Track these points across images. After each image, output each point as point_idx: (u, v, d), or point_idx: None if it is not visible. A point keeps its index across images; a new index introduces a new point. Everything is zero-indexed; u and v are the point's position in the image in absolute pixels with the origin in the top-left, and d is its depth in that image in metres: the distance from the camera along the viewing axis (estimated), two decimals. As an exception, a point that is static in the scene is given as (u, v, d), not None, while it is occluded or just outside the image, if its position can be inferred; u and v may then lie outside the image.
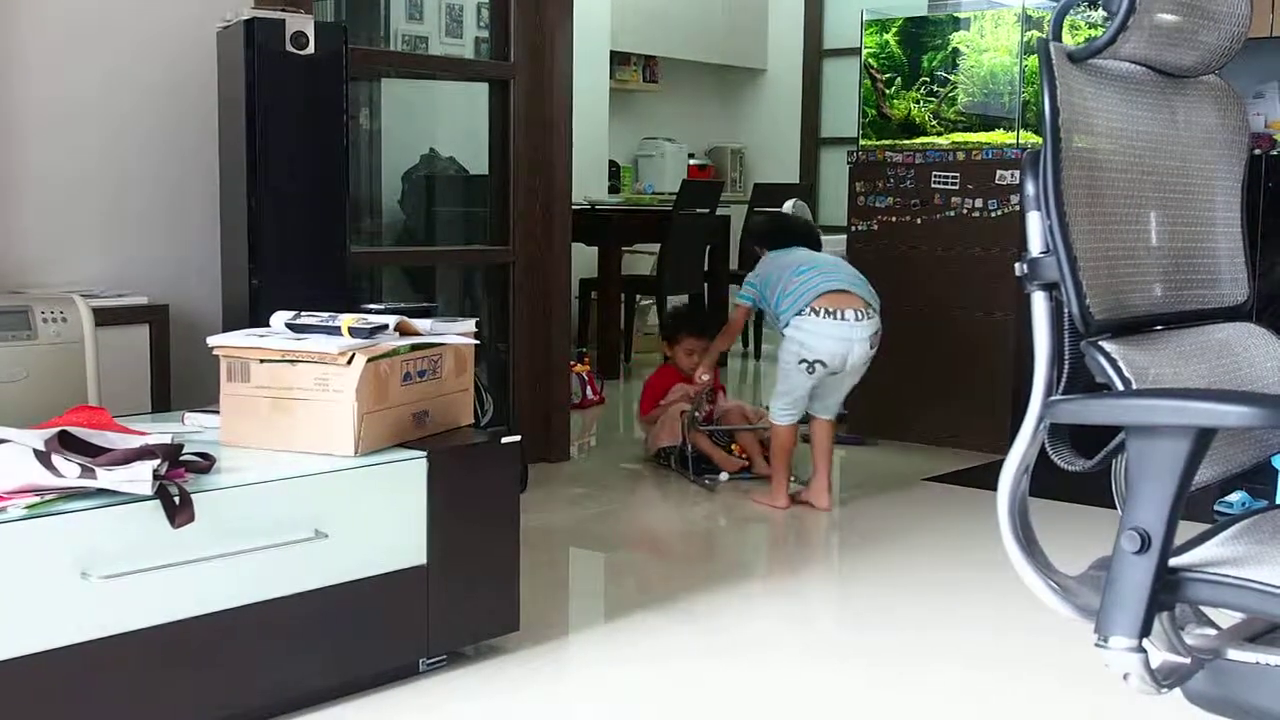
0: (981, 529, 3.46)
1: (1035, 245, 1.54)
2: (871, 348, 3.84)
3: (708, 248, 6.99)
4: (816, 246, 4.17)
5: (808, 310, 3.78)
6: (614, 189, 7.99)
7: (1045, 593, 1.58)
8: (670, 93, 8.66)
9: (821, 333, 3.78)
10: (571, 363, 5.10)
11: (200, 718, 2.18)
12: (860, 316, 3.78)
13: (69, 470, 2.00)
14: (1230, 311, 1.75)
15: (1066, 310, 1.53)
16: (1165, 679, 1.46)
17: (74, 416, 2.31)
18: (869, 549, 3.56)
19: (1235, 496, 3.75)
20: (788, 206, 5.61)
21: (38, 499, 1.97)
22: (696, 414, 4.39)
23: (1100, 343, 1.51)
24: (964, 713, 2.43)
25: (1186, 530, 1.48)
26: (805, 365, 3.79)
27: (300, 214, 3.14)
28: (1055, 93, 1.52)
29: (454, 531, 2.48)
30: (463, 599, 2.53)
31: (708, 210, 6.83)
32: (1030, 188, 1.54)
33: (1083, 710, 2.43)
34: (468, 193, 5.17)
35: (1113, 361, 1.49)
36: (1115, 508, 1.54)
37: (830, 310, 3.77)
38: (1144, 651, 1.41)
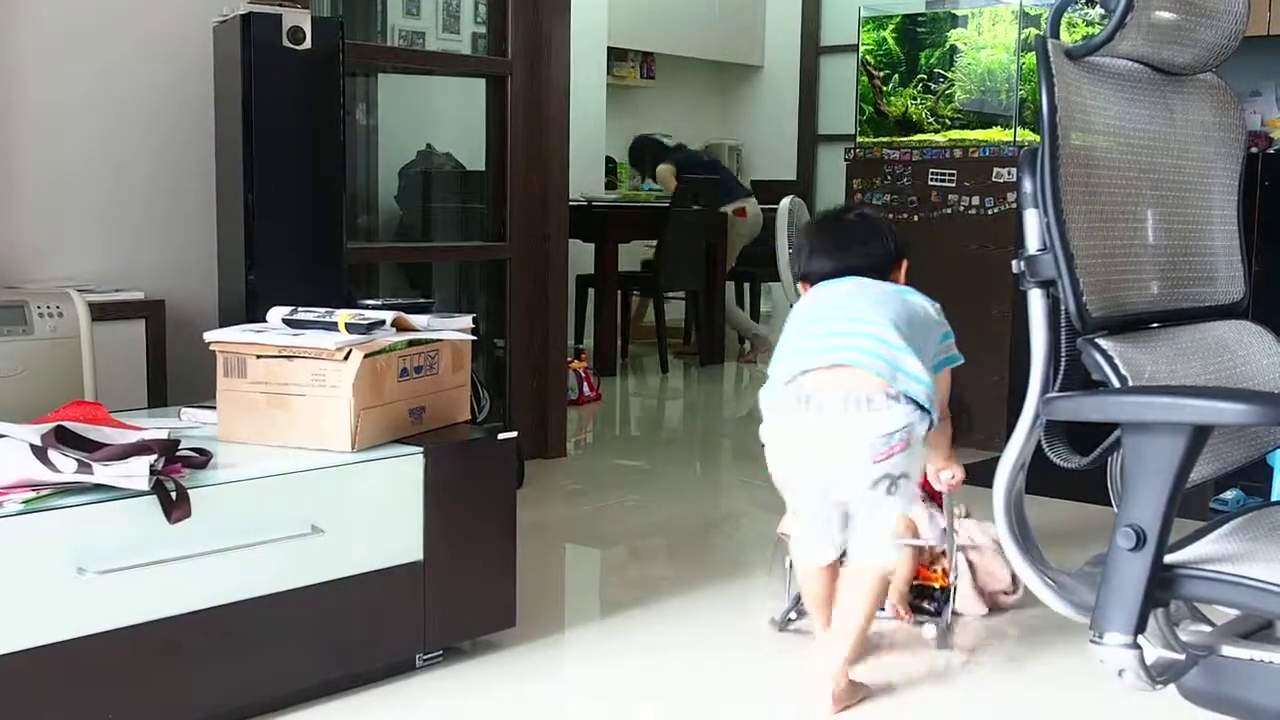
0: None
1: (1032, 243, 1.55)
2: (883, 458, 2.27)
3: (706, 245, 7.00)
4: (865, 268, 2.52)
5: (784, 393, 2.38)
6: (611, 185, 7.99)
7: (1041, 589, 1.59)
8: (667, 89, 8.67)
9: (777, 430, 2.39)
10: (568, 359, 5.10)
11: (196, 713, 2.18)
12: (854, 405, 2.26)
13: (65, 465, 1.99)
14: (1227, 309, 1.76)
15: (1063, 308, 1.53)
16: (1160, 675, 1.47)
17: (70, 411, 2.31)
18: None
19: (1230, 494, 3.75)
20: (784, 205, 5.60)
21: (34, 494, 1.97)
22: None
23: (1097, 340, 1.51)
24: (958, 711, 2.44)
25: (1181, 528, 1.49)
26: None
27: (297, 209, 3.14)
28: (1053, 90, 1.52)
29: (450, 527, 2.48)
30: (459, 595, 2.53)
31: (705, 207, 6.84)
32: (1027, 185, 1.54)
33: (1081, 711, 2.44)
34: (465, 189, 5.16)
35: (1109, 359, 1.49)
36: (1111, 505, 1.54)
37: (801, 394, 2.32)
38: (1139, 648, 1.42)
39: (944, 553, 2.81)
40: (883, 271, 2.53)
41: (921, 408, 2.29)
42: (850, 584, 2.41)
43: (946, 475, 2.64)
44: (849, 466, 2.30)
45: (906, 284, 2.57)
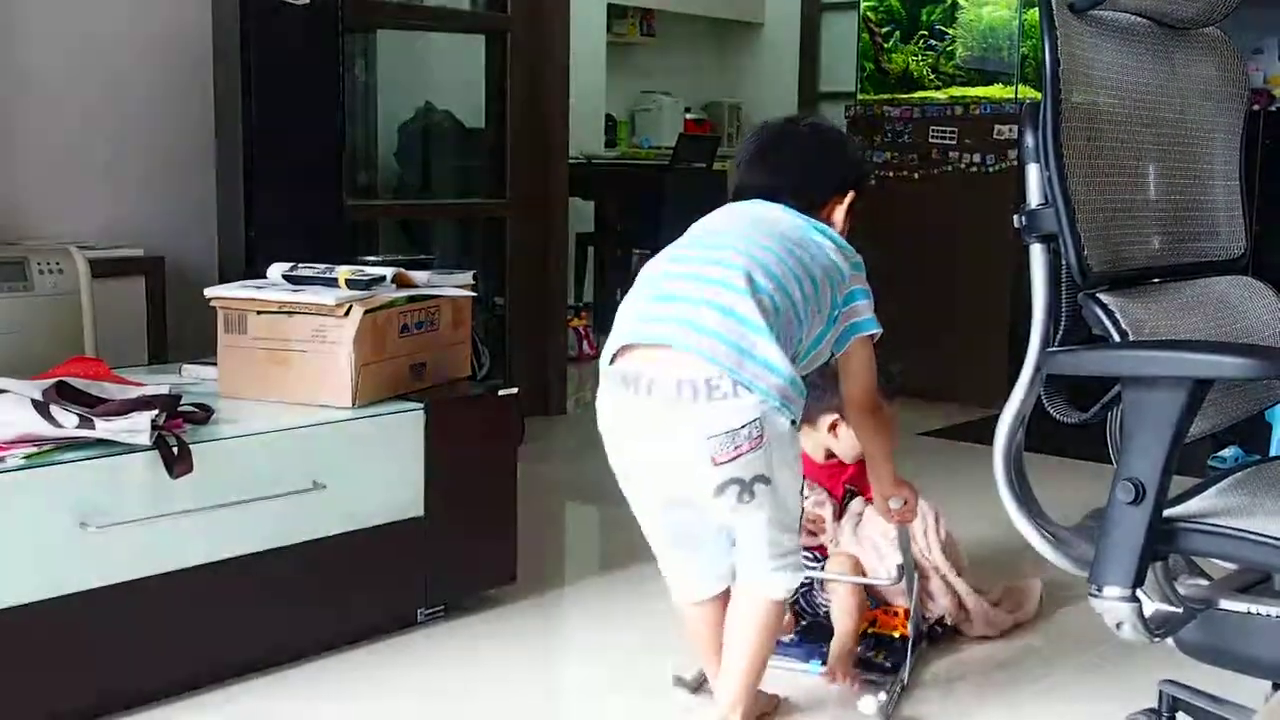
0: (976, 483, 3.48)
1: (1034, 197, 1.54)
2: (728, 459, 1.78)
3: (705, 203, 6.98)
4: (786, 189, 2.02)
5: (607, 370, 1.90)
6: (610, 143, 7.95)
7: (1040, 543, 1.59)
8: (667, 46, 8.60)
9: (603, 411, 1.91)
10: (568, 317, 5.10)
11: (197, 667, 2.19)
12: (689, 392, 1.78)
13: (67, 420, 2.00)
14: (1227, 265, 1.76)
15: (1064, 262, 1.53)
16: (1158, 628, 1.47)
17: (72, 368, 2.31)
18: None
19: (1228, 451, 3.77)
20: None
21: (36, 449, 1.97)
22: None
23: (1098, 294, 1.51)
24: (954, 671, 2.45)
25: (1179, 485, 1.49)
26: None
27: (296, 166, 3.13)
28: (1056, 44, 1.51)
29: (451, 483, 2.49)
30: (460, 550, 2.54)
31: (705, 165, 6.81)
32: (1030, 140, 1.54)
33: (1079, 662, 2.45)
34: (464, 146, 5.14)
35: (1110, 313, 1.49)
36: (1110, 462, 1.54)
37: (627, 376, 1.84)
38: (1137, 601, 1.43)
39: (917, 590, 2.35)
40: (811, 198, 2.01)
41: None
42: (729, 617, 1.96)
43: (896, 504, 2.13)
44: (687, 468, 1.81)
45: (851, 224, 2.07)
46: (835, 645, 2.28)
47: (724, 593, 2.01)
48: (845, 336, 1.96)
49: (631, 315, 1.88)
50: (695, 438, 1.78)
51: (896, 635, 2.36)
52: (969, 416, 4.54)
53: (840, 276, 1.94)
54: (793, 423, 1.83)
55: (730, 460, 1.78)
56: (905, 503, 2.14)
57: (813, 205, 2.02)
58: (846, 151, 2.14)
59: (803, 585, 2.33)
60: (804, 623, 2.44)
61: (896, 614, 2.38)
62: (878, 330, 1.98)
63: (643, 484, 1.92)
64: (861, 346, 1.98)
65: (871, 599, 2.40)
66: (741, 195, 2.05)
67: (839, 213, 2.07)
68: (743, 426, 1.77)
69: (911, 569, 2.30)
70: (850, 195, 2.07)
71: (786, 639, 2.36)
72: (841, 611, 2.31)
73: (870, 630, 2.39)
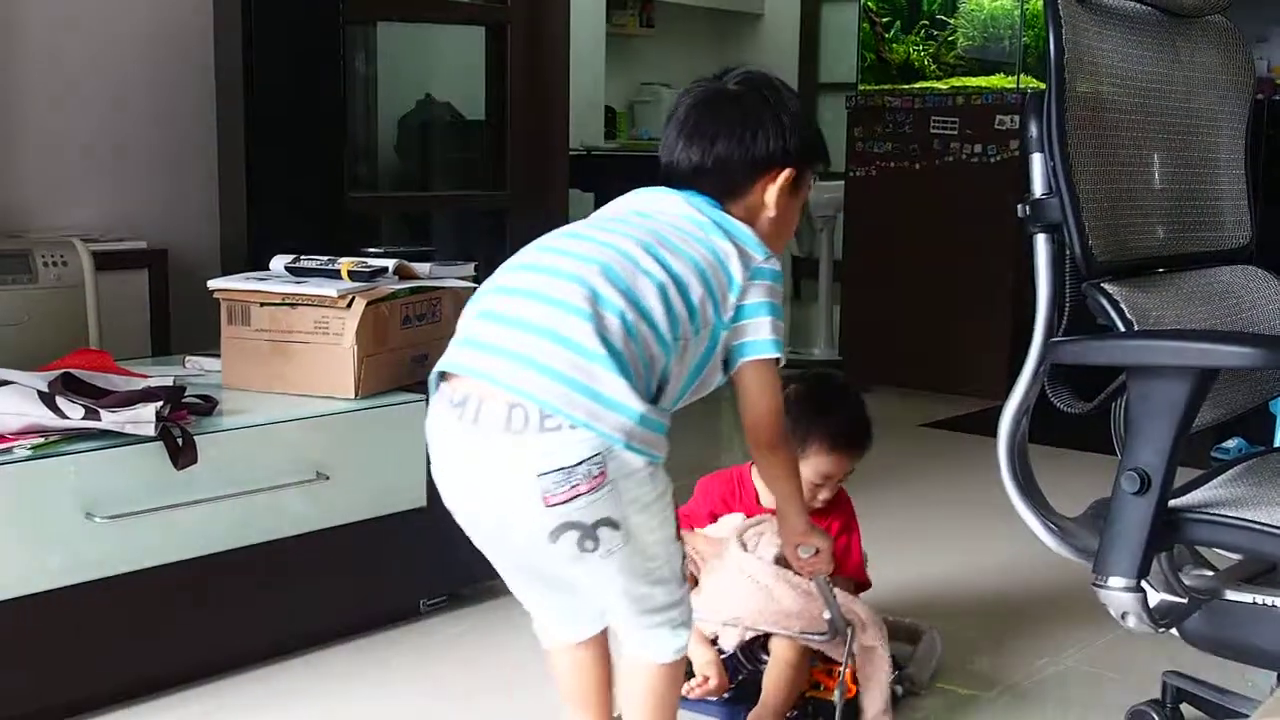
0: (978, 475, 3.48)
1: (1038, 187, 1.55)
2: (562, 500, 1.49)
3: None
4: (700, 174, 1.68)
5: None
6: (610, 135, 7.95)
7: (1044, 534, 1.60)
8: (667, 38, 8.59)
9: (431, 439, 1.62)
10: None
11: (201, 657, 2.20)
12: (519, 422, 1.49)
13: (73, 411, 2.00)
14: (1232, 254, 1.76)
15: (1068, 252, 1.53)
16: (1162, 619, 1.48)
17: (76, 359, 2.31)
18: (864, 494, 3.57)
19: (1232, 443, 3.77)
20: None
21: (42, 439, 1.97)
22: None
23: (1102, 284, 1.52)
24: (967, 668, 2.46)
25: (1183, 476, 1.49)
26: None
27: (298, 158, 3.13)
28: (1061, 33, 1.51)
29: (455, 474, 2.49)
30: (463, 539, 2.52)
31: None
32: (1034, 129, 1.54)
33: (1082, 654, 2.46)
34: (465, 138, 5.13)
35: (1114, 303, 1.50)
36: (1114, 453, 1.55)
37: (455, 398, 1.55)
38: (1142, 591, 1.43)
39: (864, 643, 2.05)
40: (731, 181, 1.65)
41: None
42: (619, 691, 1.75)
43: (806, 553, 1.82)
44: (516, 509, 1.51)
45: (793, 211, 1.70)
46: (758, 708, 2.01)
47: (600, 636, 1.76)
48: (733, 359, 1.62)
49: (460, 333, 1.58)
50: (525, 474, 1.48)
51: (834, 698, 2.01)
52: (971, 408, 4.54)
53: (729, 287, 1.58)
54: (650, 461, 1.52)
55: (565, 502, 1.48)
56: (816, 551, 1.82)
57: (733, 189, 1.65)
58: (782, 116, 1.67)
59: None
60: (740, 677, 2.09)
61: (839, 675, 2.03)
62: (775, 355, 1.62)
63: (478, 522, 1.62)
64: (755, 372, 1.62)
65: (813, 657, 2.07)
66: (664, 178, 1.70)
67: (770, 195, 1.66)
68: (579, 463, 1.47)
69: (841, 622, 2.00)
70: (787, 173, 1.66)
71: (716, 699, 2.07)
72: (774, 668, 2.04)
73: (810, 694, 2.08)
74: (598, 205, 6.30)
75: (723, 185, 1.65)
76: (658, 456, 1.54)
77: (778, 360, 1.63)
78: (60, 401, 2.01)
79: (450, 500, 1.61)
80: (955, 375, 4.82)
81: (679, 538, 1.65)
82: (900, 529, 3.22)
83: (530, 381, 1.48)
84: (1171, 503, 1.44)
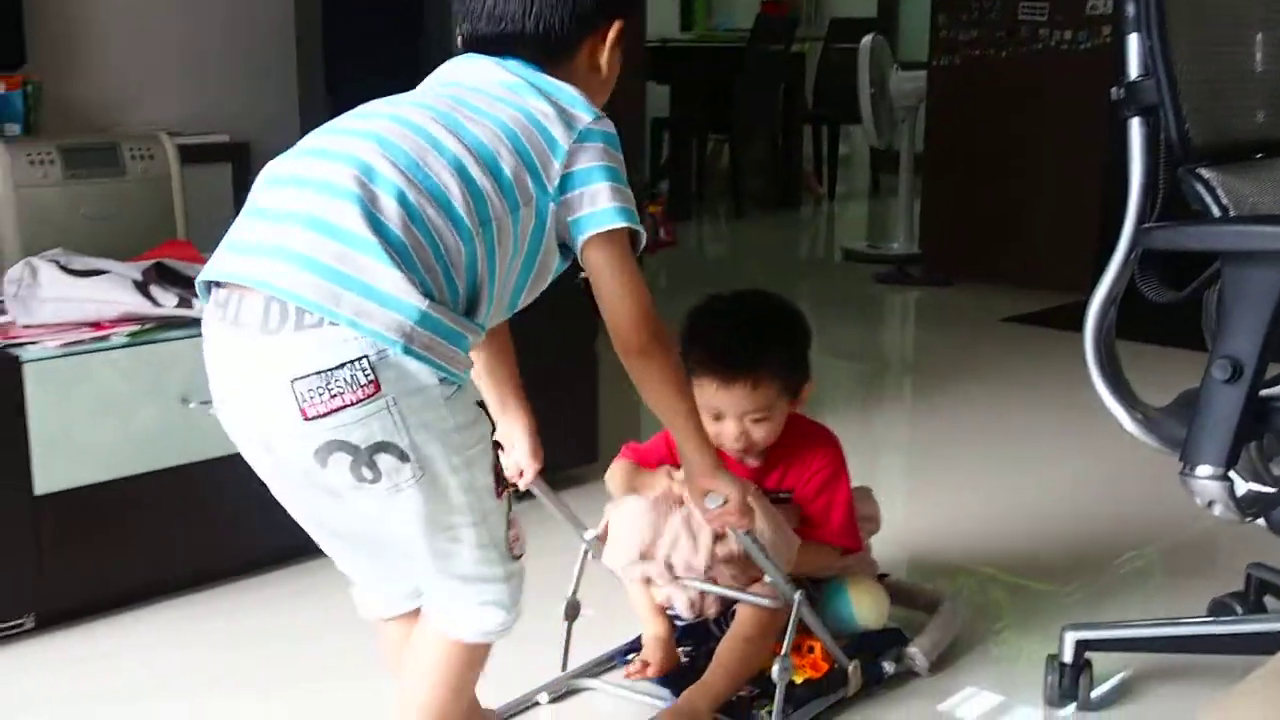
0: (1061, 370, 3.45)
1: (1134, 69, 1.51)
2: (323, 412, 1.25)
3: (782, 87, 6.86)
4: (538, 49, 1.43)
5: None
6: (686, 25, 7.83)
7: (1130, 424, 1.59)
8: (745, -76, 8.41)
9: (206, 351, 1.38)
10: (644, 202, 5.08)
11: (297, 540, 2.26)
12: (277, 317, 1.26)
13: (167, 300, 2.05)
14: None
15: (1164, 136, 1.50)
16: (1249, 508, 1.47)
17: (165, 251, 2.36)
18: (945, 390, 3.56)
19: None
20: (865, 44, 5.45)
21: (139, 327, 2.03)
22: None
23: (1198, 170, 1.48)
24: (1045, 563, 2.46)
25: (1274, 370, 1.47)
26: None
27: (375, 53, 3.13)
28: (1162, -93, 1.46)
29: (534, 368, 2.51)
30: (545, 431, 2.57)
31: (782, 47, 6.69)
32: (1131, 8, 1.50)
33: (1163, 546, 2.45)
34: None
35: (1210, 189, 1.47)
36: (1199, 349, 1.53)
37: (219, 297, 1.34)
38: (1229, 480, 1.42)
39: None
40: (551, 45, 1.42)
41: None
42: (406, 655, 1.47)
43: (714, 503, 1.50)
44: (275, 423, 1.28)
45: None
46: (692, 688, 1.72)
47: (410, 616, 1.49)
48: (574, 242, 1.36)
49: (227, 238, 1.35)
50: (279, 380, 1.24)
51: (801, 680, 1.76)
52: (1056, 302, 4.48)
53: (552, 151, 1.34)
54: (444, 379, 1.27)
55: (327, 414, 1.24)
56: (726, 500, 1.50)
57: (557, 54, 1.42)
58: None
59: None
60: (710, 645, 1.82)
61: (811, 650, 1.79)
62: (626, 224, 1.35)
63: (249, 452, 1.36)
64: (600, 250, 1.35)
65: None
66: (474, 42, 1.44)
67: (603, 55, 1.46)
68: (339, 366, 1.23)
69: (788, 587, 1.68)
70: (617, 27, 1.45)
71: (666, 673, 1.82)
72: (725, 642, 1.76)
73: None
74: (673, 98, 6.21)
75: (544, 48, 1.41)
76: (456, 375, 1.28)
77: (633, 236, 1.36)
78: (154, 290, 2.06)
79: (228, 427, 1.35)
80: (1038, 269, 4.75)
81: (503, 498, 1.36)
82: (983, 424, 3.22)
83: (286, 275, 1.24)
84: (1263, 392, 1.43)
